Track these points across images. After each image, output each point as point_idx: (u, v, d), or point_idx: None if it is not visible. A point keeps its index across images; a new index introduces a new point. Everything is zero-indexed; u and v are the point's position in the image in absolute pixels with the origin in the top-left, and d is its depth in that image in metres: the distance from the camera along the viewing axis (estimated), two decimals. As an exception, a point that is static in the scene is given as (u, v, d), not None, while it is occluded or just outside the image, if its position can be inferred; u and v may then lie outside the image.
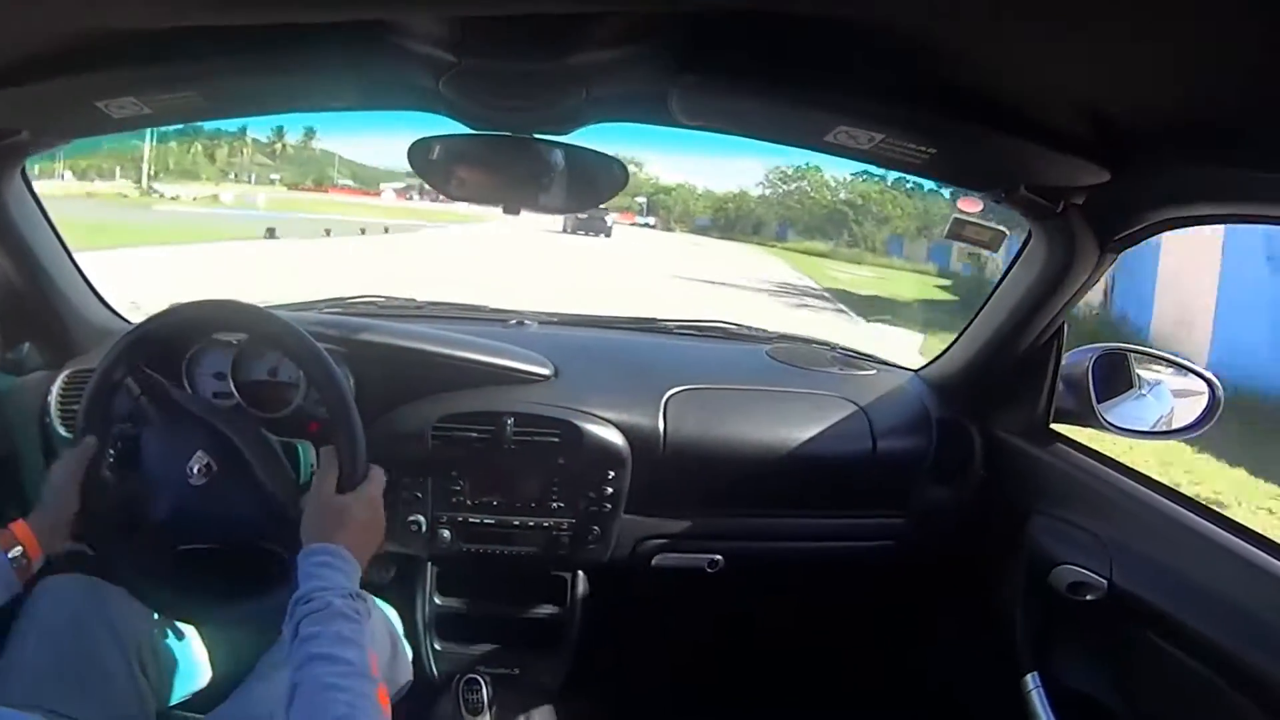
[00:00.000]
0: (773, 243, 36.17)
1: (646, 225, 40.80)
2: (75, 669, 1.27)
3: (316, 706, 0.95)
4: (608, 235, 26.88)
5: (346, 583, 1.10)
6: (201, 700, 1.43)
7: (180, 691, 1.44)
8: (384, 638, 1.48)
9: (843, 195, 36.66)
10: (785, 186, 40.27)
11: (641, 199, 42.51)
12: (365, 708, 0.96)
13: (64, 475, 1.27)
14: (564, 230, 25.28)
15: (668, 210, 44.70)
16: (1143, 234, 1.47)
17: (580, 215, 22.53)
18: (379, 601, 1.53)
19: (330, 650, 1.01)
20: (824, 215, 37.63)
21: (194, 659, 1.48)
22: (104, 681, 1.29)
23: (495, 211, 1.49)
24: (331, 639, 1.02)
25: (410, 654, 1.61)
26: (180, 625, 1.46)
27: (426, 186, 1.52)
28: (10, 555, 1.17)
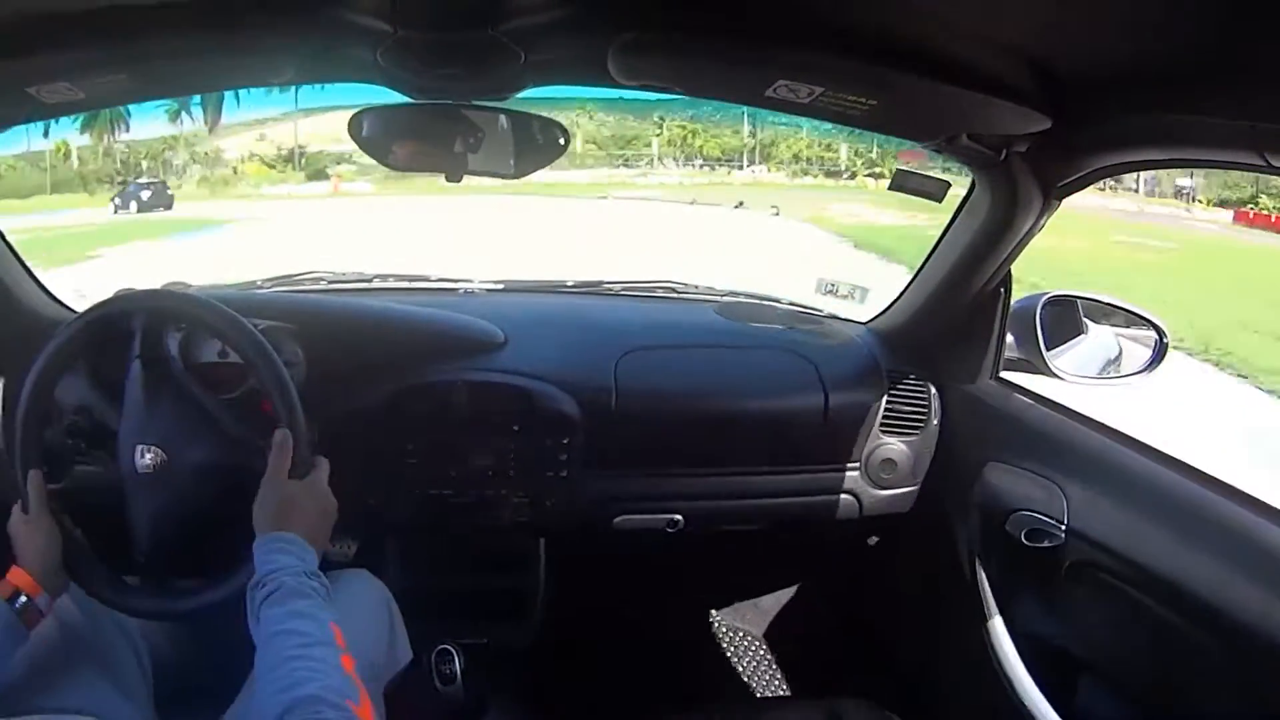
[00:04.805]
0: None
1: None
2: (90, 663, 1.25)
3: (278, 679, 0.96)
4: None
5: (299, 563, 1.11)
6: (204, 694, 1.41)
7: (183, 685, 1.42)
8: (382, 617, 1.47)
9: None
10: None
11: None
12: (326, 671, 0.97)
13: (35, 510, 1.24)
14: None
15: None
16: (1086, 180, 1.48)
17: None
18: (374, 579, 1.52)
19: (285, 626, 1.02)
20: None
21: (196, 652, 1.46)
22: (115, 676, 1.28)
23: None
24: (286, 616, 1.03)
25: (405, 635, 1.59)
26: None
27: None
28: (17, 605, 1.15)
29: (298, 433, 1.25)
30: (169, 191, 20.85)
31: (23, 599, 1.15)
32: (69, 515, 1.28)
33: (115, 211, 20.40)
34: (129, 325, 1.31)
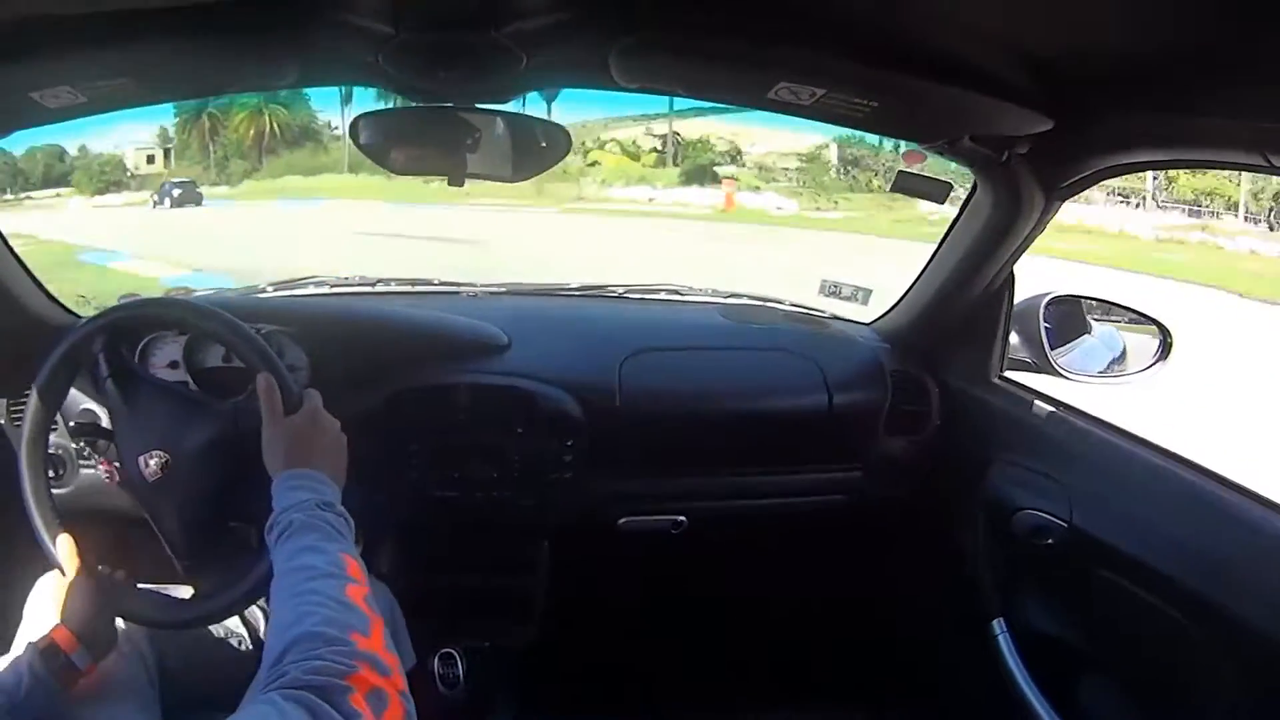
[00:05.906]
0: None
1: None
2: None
3: (282, 619, 0.94)
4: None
5: (310, 496, 1.10)
6: (212, 700, 1.40)
7: (190, 693, 1.41)
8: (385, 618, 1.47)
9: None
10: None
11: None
12: (328, 605, 0.94)
13: (69, 571, 1.22)
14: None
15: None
16: (1088, 181, 1.48)
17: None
18: (376, 582, 1.51)
19: (292, 563, 1.01)
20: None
21: (204, 658, 1.46)
22: (122, 686, 1.26)
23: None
24: (294, 552, 1.02)
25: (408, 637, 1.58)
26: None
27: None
28: (54, 663, 1.12)
29: (277, 371, 1.23)
30: (198, 190, 21.27)
31: (60, 657, 1.13)
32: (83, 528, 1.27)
33: (154, 207, 20.79)
34: (92, 350, 1.31)
